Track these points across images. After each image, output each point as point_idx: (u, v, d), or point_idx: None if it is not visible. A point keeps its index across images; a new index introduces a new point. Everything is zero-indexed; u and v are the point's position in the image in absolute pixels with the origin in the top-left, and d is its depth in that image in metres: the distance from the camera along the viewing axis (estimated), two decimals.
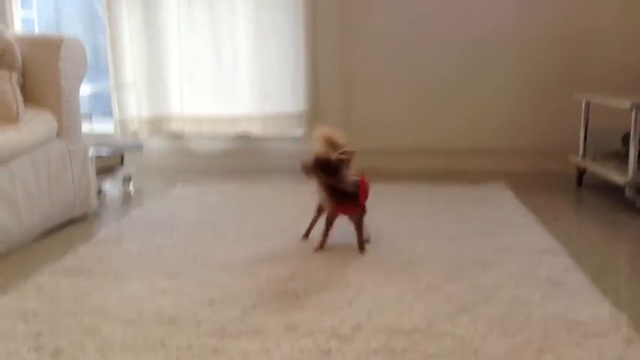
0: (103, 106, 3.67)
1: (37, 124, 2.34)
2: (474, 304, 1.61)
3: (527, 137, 3.46)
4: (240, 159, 3.60)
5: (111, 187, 3.12)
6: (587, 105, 3.02)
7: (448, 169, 3.47)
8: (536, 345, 1.39)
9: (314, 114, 3.51)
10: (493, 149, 3.49)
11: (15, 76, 2.36)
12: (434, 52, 3.45)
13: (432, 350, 1.37)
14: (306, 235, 2.19)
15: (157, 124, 3.55)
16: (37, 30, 3.88)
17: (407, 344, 1.40)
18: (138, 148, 3.38)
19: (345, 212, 2.07)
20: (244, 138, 3.62)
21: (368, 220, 2.40)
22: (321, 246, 2.08)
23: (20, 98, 2.33)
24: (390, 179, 3.16)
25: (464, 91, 3.47)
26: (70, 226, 2.46)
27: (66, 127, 2.48)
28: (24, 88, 2.41)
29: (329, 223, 2.09)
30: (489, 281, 1.77)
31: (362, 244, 2.07)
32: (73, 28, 4.00)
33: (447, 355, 1.35)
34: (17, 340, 1.44)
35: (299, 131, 3.56)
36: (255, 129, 3.55)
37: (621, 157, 2.98)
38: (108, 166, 3.05)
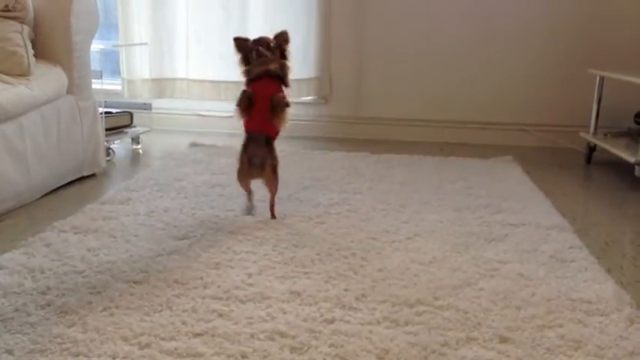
0: (112, 64, 3.64)
1: (48, 79, 2.33)
2: (479, 278, 1.62)
3: (537, 112, 3.43)
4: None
5: (119, 146, 3.12)
6: (602, 81, 2.98)
7: (457, 141, 3.45)
8: (539, 321, 1.40)
9: (325, 81, 3.48)
10: (503, 123, 3.46)
11: (26, 30, 2.34)
12: (447, 24, 3.40)
13: (435, 322, 1.39)
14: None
15: (162, 85, 3.52)
16: None
17: (410, 316, 1.41)
18: (147, 107, 3.37)
19: (262, 91, 1.97)
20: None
21: (375, 190, 2.40)
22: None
23: (31, 52, 2.32)
24: (398, 150, 3.15)
25: (476, 64, 3.43)
26: (78, 184, 2.47)
27: (76, 84, 2.47)
28: (35, 43, 2.39)
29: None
30: (494, 256, 1.78)
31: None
32: None
33: (450, 328, 1.37)
34: (25, 296, 1.46)
35: (310, 97, 3.53)
36: None
37: (632, 136, 2.96)
38: (117, 125, 3.04)
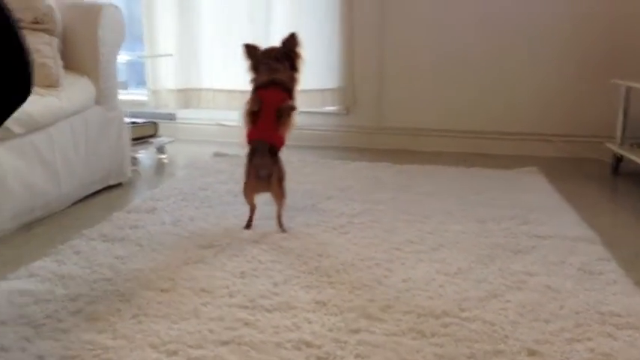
0: (137, 75, 3.69)
1: (76, 90, 2.37)
2: (505, 290, 1.61)
3: (561, 122, 3.40)
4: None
5: (145, 155, 3.16)
6: (628, 91, 2.96)
7: (480, 152, 3.43)
8: (567, 334, 1.39)
9: (349, 91, 3.50)
10: (527, 133, 3.44)
11: (55, 42, 2.39)
12: (469, 33, 3.39)
13: (462, 334, 1.38)
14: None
15: (187, 96, 3.56)
16: None
17: (436, 327, 1.41)
18: (171, 117, 3.41)
19: (268, 99, 1.97)
20: None
21: (397, 201, 2.40)
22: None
23: (60, 64, 2.36)
24: (421, 160, 3.15)
25: (499, 73, 3.41)
26: (105, 193, 2.51)
27: (104, 94, 2.51)
28: (63, 54, 2.44)
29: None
30: (521, 267, 1.77)
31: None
32: None
33: (477, 340, 1.36)
34: (56, 303, 1.48)
35: (333, 108, 3.55)
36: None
37: None
38: (142, 135, 3.08)
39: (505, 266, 1.77)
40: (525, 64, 3.38)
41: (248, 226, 2.05)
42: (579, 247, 1.94)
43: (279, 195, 1.99)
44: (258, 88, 2.02)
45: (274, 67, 2.01)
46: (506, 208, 2.35)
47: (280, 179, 1.97)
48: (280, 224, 2.03)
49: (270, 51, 2.05)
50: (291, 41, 2.06)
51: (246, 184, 2.00)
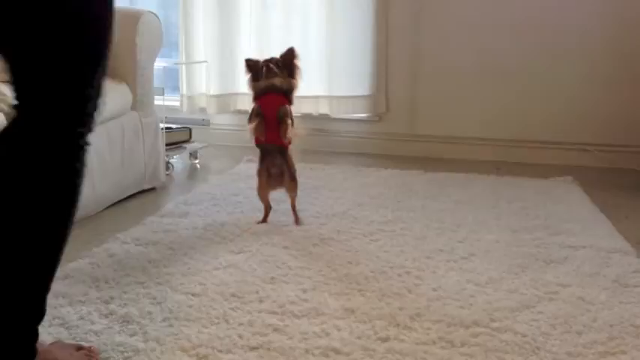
0: (172, 81, 3.75)
1: (114, 95, 2.42)
2: (537, 301, 1.59)
3: (598, 131, 3.34)
4: (304, 139, 3.62)
5: (178, 161, 3.20)
6: None
7: (514, 160, 3.38)
8: (600, 347, 1.37)
9: (381, 99, 3.49)
10: (563, 142, 3.38)
11: None
12: (503, 39, 3.35)
13: (492, 345, 1.37)
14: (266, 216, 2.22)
15: (224, 101, 3.61)
16: None
17: (466, 337, 1.40)
18: (205, 123, 3.45)
19: (268, 108, 2.09)
20: (310, 118, 3.63)
21: (429, 209, 2.39)
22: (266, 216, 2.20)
23: None
24: (453, 168, 3.12)
25: (533, 80, 3.36)
26: (139, 197, 2.55)
27: (139, 100, 2.56)
28: None
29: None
30: (554, 278, 1.74)
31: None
32: (147, 1, 4.09)
33: (508, 351, 1.34)
34: (89, 305, 1.51)
35: (365, 114, 3.55)
36: (322, 110, 3.56)
37: None
38: (176, 141, 3.13)
39: (537, 277, 1.75)
40: (562, 70, 3.33)
41: (264, 220, 2.19)
42: (614, 258, 1.90)
43: (292, 189, 2.16)
44: (257, 96, 2.15)
45: (273, 72, 2.15)
46: (539, 217, 2.31)
47: (291, 175, 2.14)
48: (295, 216, 2.19)
49: (270, 60, 2.19)
50: (289, 54, 2.20)
51: (259, 184, 2.16)
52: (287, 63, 2.18)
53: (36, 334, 1.16)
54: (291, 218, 2.20)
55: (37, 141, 1.07)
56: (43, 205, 1.09)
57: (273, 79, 2.14)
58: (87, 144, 1.14)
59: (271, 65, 2.16)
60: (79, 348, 1.29)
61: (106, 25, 1.13)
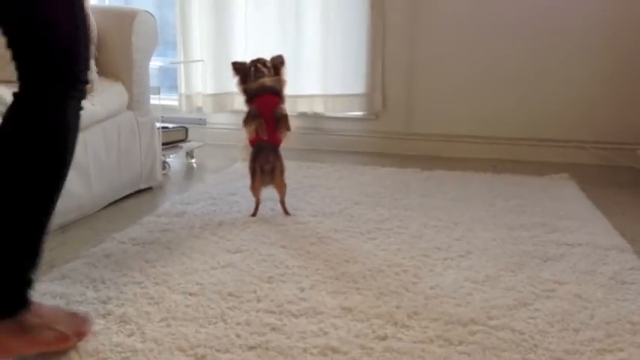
0: (168, 80, 3.74)
1: (109, 95, 2.41)
2: (534, 299, 1.59)
3: (595, 128, 3.34)
4: (301, 138, 3.62)
5: (174, 160, 3.20)
6: None
7: (510, 158, 3.39)
8: (597, 344, 1.37)
9: (377, 97, 3.49)
10: (558, 140, 3.39)
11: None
12: (499, 38, 3.36)
13: (490, 343, 1.37)
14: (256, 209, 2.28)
15: (221, 100, 3.60)
16: (106, 1, 3.97)
17: (464, 335, 1.40)
18: (201, 122, 3.45)
19: (265, 109, 2.18)
20: (306, 117, 3.63)
21: (426, 207, 2.39)
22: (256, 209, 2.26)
23: (94, 69, 2.41)
24: (449, 166, 3.13)
25: (530, 78, 3.37)
26: (135, 196, 2.55)
27: (136, 100, 2.55)
28: (97, 60, 2.49)
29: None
30: (550, 276, 1.74)
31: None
32: (143, 0, 4.08)
33: (505, 349, 1.35)
34: (87, 305, 1.51)
35: (361, 113, 3.55)
36: (317, 109, 3.56)
37: None
38: (172, 140, 3.12)
39: (534, 274, 1.75)
40: (558, 68, 3.34)
41: (254, 214, 2.26)
42: (611, 255, 1.91)
43: (282, 185, 2.23)
44: (252, 98, 2.22)
45: (261, 72, 2.23)
46: (536, 215, 2.32)
47: (281, 172, 2.21)
48: (284, 209, 2.27)
49: (257, 60, 2.27)
50: (278, 60, 2.29)
51: (252, 180, 2.22)
52: (275, 65, 2.27)
53: (30, 282, 1.26)
54: (287, 218, 2.23)
55: (36, 103, 1.21)
56: (43, 154, 1.22)
57: (263, 79, 2.21)
58: (80, 105, 1.29)
59: (259, 65, 2.23)
60: (74, 314, 1.40)
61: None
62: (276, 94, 2.23)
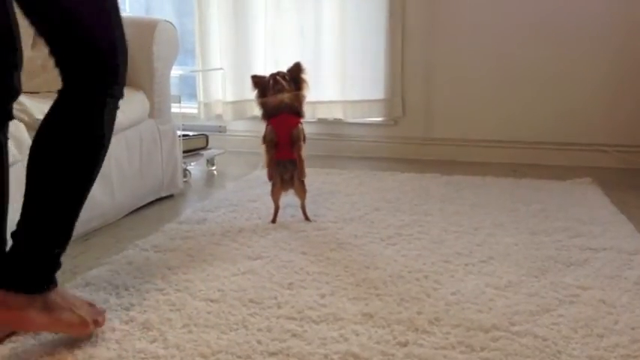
0: (188, 88, 3.78)
1: (131, 103, 2.44)
2: (558, 304, 1.57)
3: (617, 132, 3.30)
4: (320, 144, 3.63)
5: (195, 167, 3.22)
6: None
7: (531, 163, 3.37)
8: (622, 350, 1.35)
9: (397, 102, 3.49)
10: (581, 143, 3.35)
11: None
12: (518, 40, 3.34)
13: (512, 349, 1.35)
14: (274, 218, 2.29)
15: (240, 107, 3.63)
16: (127, 10, 4.03)
17: (486, 341, 1.39)
18: (221, 130, 3.48)
19: (282, 130, 2.19)
20: (325, 123, 3.64)
21: (446, 212, 2.38)
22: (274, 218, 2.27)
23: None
24: (469, 171, 3.11)
25: (550, 81, 3.34)
26: (157, 204, 2.58)
27: (157, 108, 2.58)
28: None
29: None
30: (574, 281, 1.72)
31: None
32: (162, 10, 4.13)
33: (528, 355, 1.33)
34: (110, 312, 1.52)
35: (380, 118, 3.55)
36: (337, 115, 3.56)
37: None
38: (193, 148, 3.15)
39: (557, 279, 1.73)
40: (577, 72, 3.31)
41: (273, 221, 2.27)
42: (636, 260, 1.88)
43: (302, 191, 2.26)
44: (270, 116, 2.22)
45: (280, 85, 2.20)
46: (558, 219, 2.29)
47: (301, 179, 2.24)
48: (305, 214, 2.29)
49: (276, 73, 2.24)
50: (295, 68, 2.26)
51: (273, 188, 2.27)
52: (294, 76, 2.24)
53: (59, 264, 1.37)
54: (307, 224, 2.24)
55: (77, 100, 1.33)
56: (81, 148, 1.33)
57: (282, 93, 2.19)
58: (117, 104, 1.40)
59: (278, 78, 2.21)
60: (91, 305, 1.46)
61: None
62: (294, 112, 2.22)
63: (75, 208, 1.36)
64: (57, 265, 1.36)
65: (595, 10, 3.23)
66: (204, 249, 1.98)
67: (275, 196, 2.26)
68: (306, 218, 2.28)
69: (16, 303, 1.30)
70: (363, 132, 3.63)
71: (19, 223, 1.33)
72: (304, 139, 2.23)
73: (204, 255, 1.93)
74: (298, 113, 2.23)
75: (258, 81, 2.27)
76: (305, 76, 2.25)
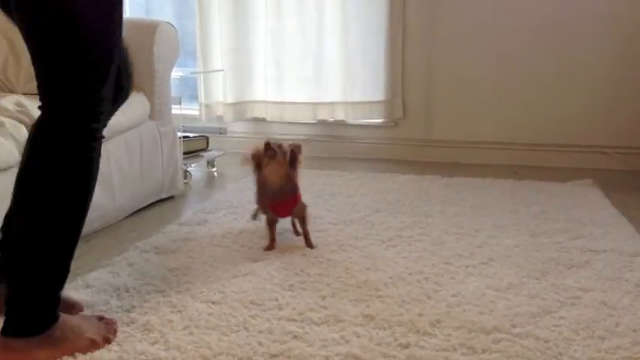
0: (189, 90, 3.78)
1: (132, 105, 2.43)
2: (559, 306, 1.57)
3: (618, 133, 3.30)
4: (321, 146, 3.63)
5: (196, 169, 3.22)
6: None
7: (531, 164, 3.37)
8: (623, 352, 1.35)
9: (397, 104, 3.49)
10: (582, 145, 3.35)
11: None
12: (518, 42, 3.34)
13: (514, 351, 1.35)
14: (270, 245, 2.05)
15: (241, 108, 3.63)
16: (127, 12, 4.03)
17: (487, 343, 1.39)
18: (222, 132, 3.47)
19: (283, 212, 2.05)
20: (326, 124, 3.64)
21: (446, 214, 2.38)
22: (271, 246, 2.03)
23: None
24: (470, 173, 3.11)
25: (550, 82, 3.34)
26: (158, 205, 2.57)
27: (157, 110, 2.58)
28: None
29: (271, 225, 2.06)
30: (575, 283, 1.72)
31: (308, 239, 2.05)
32: (162, 12, 4.13)
33: (530, 357, 1.33)
34: (111, 314, 1.52)
35: (381, 120, 3.55)
36: (338, 116, 3.56)
37: None
38: (194, 149, 3.15)
39: (558, 281, 1.73)
40: (578, 74, 3.31)
41: (269, 249, 2.05)
42: (637, 262, 1.88)
43: (303, 209, 2.06)
44: (269, 201, 2.04)
45: (272, 151, 2.00)
46: (559, 221, 2.29)
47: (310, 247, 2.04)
48: (308, 241, 2.07)
49: (279, 146, 2.04)
50: (296, 149, 2.05)
51: (268, 216, 2.08)
52: (292, 156, 2.02)
53: (58, 299, 1.33)
54: (310, 225, 2.11)
55: (57, 136, 1.28)
56: (66, 187, 1.30)
57: (278, 172, 1.99)
58: (101, 136, 1.35)
59: (272, 144, 2.02)
60: (100, 318, 1.45)
61: (110, 34, 1.33)
62: (290, 192, 2.03)
63: (68, 244, 1.33)
64: (57, 302, 1.33)
65: (596, 11, 3.23)
66: (204, 250, 1.98)
67: (271, 224, 2.06)
68: (309, 245, 2.04)
69: (19, 345, 1.28)
70: (363, 133, 3.63)
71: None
72: (300, 163, 2.05)
73: (204, 256, 1.93)
74: (294, 190, 2.04)
75: (253, 155, 2.09)
76: (301, 157, 2.06)
